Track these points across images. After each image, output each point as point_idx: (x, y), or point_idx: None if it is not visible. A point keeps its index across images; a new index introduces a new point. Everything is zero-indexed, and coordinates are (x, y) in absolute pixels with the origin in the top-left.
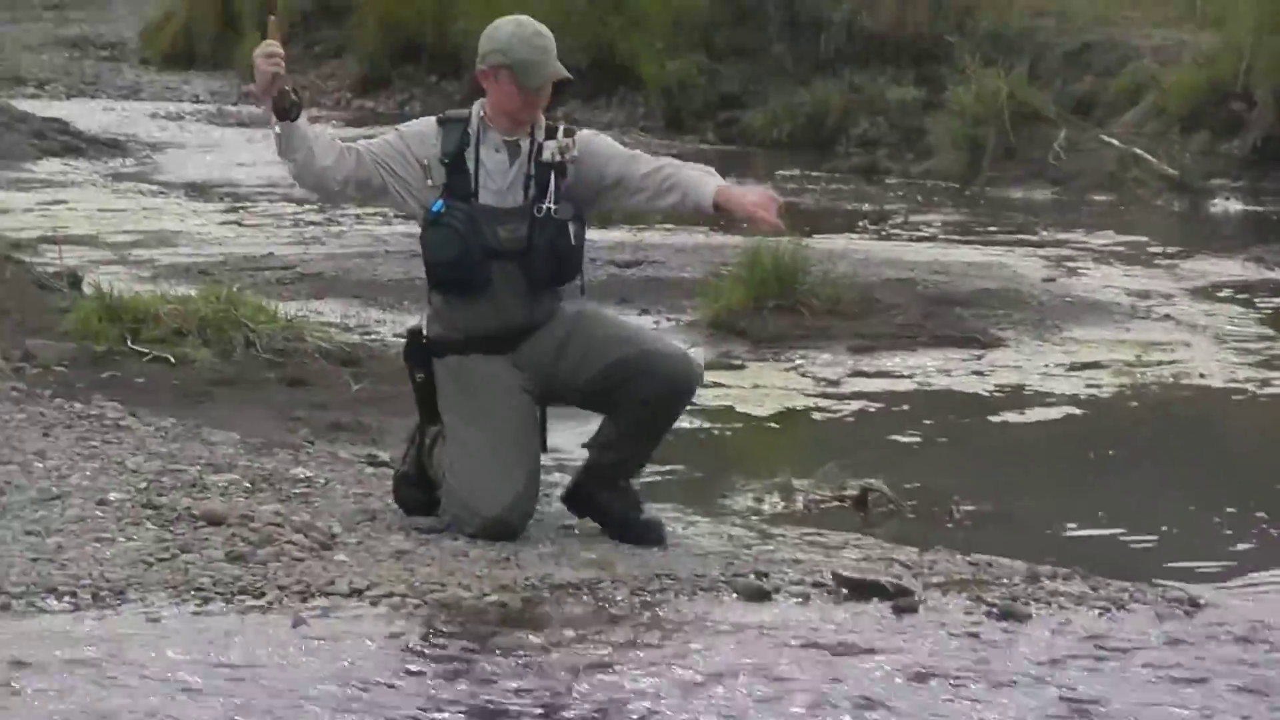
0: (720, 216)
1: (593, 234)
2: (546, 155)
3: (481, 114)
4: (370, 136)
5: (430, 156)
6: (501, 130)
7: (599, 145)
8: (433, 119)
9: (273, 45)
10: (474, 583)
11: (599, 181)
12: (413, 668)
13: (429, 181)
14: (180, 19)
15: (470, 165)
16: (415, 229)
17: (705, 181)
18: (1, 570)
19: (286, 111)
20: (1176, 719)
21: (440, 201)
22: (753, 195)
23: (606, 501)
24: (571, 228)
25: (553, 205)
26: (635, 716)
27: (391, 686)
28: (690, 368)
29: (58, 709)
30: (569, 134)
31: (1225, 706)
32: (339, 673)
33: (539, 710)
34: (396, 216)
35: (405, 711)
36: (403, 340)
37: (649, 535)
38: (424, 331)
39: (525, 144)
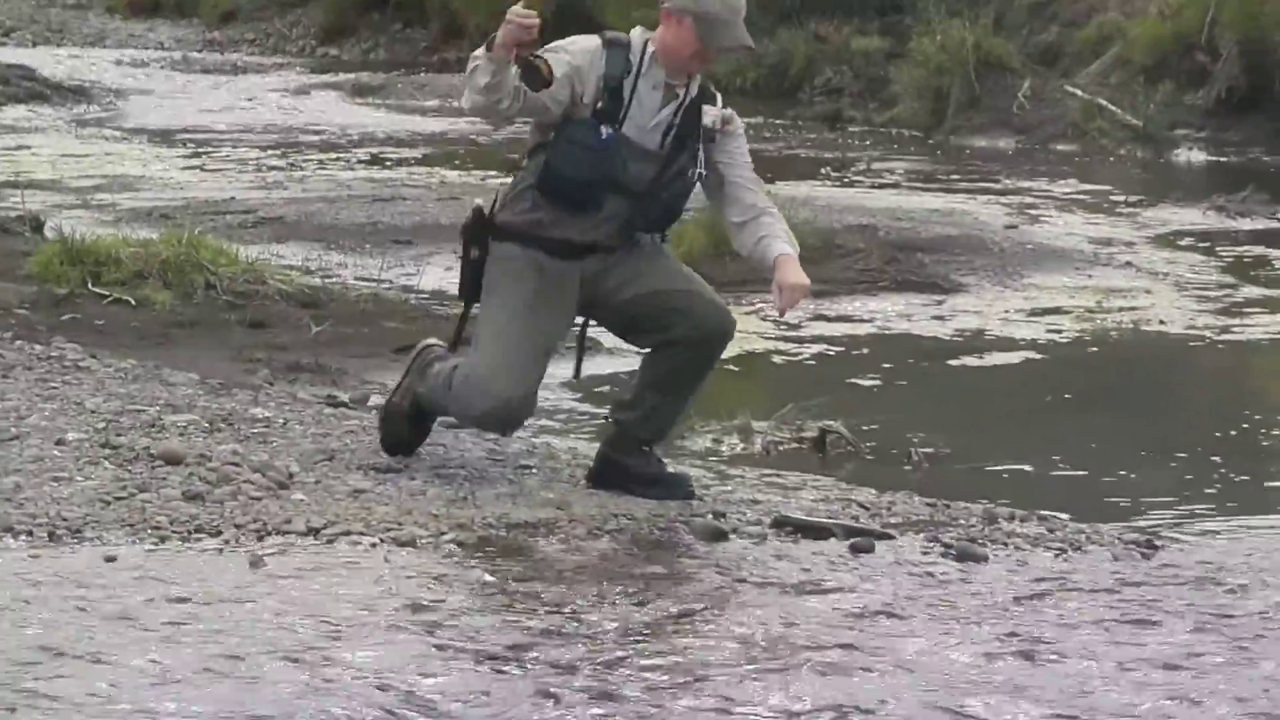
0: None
1: None
2: (708, 120)
3: (650, 47)
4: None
5: (593, 74)
6: (666, 71)
7: (742, 142)
8: (595, 37)
9: (533, 17)
10: (431, 521)
11: (715, 165)
12: (368, 606)
13: (583, 96)
14: None
15: (626, 94)
16: (381, 173)
17: (781, 245)
18: None
19: (531, 73)
20: (1130, 659)
21: (592, 120)
22: (794, 282)
23: (635, 465)
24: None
25: (703, 170)
26: (594, 657)
27: (347, 624)
28: (726, 319)
29: (11, 645)
30: (726, 105)
31: (1178, 647)
32: (294, 611)
33: (494, 650)
34: (359, 163)
35: (361, 650)
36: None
37: (679, 488)
38: (493, 211)
39: (681, 92)
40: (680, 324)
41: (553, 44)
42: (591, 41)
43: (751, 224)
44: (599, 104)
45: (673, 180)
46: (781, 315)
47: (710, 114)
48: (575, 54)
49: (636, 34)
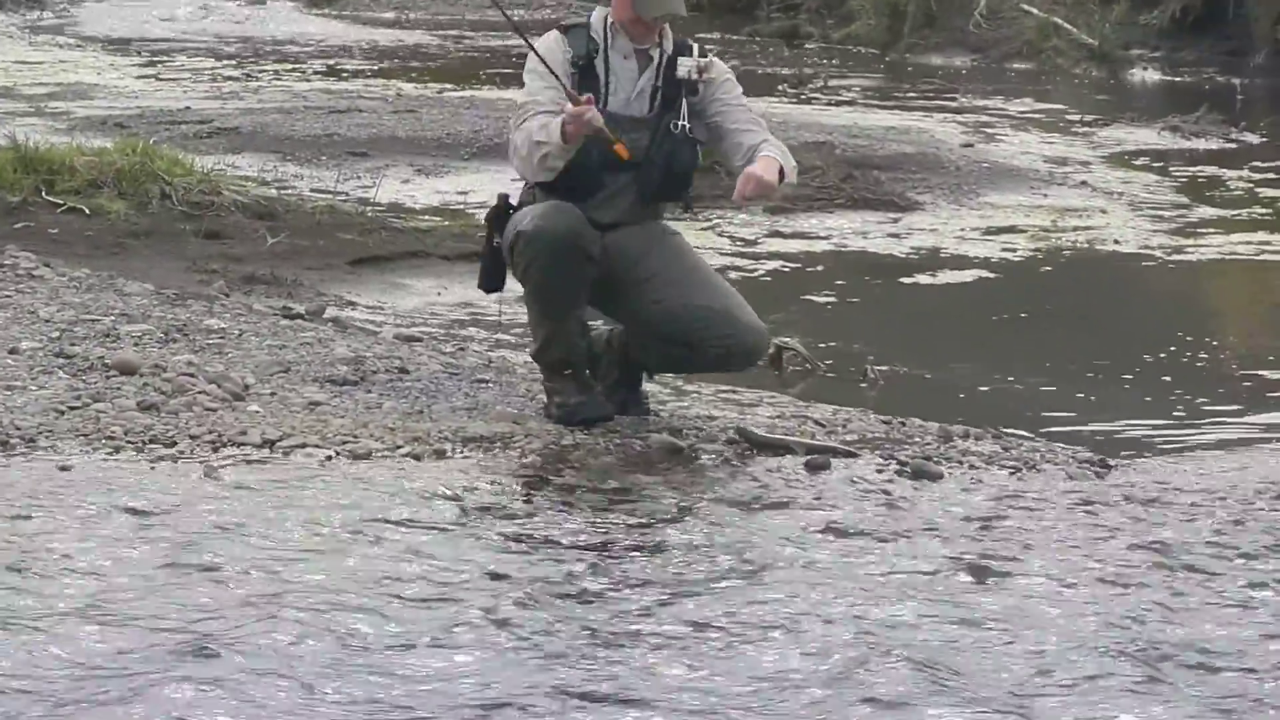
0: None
1: (511, 91)
2: (682, 72)
3: (609, 20)
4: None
5: (564, 59)
6: (630, 37)
7: (731, 86)
8: (553, 31)
9: (593, 112)
10: (386, 435)
11: (709, 116)
12: (322, 519)
13: (562, 68)
14: None
15: (600, 71)
16: (337, 85)
17: (770, 149)
18: None
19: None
20: (1083, 576)
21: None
22: (759, 174)
23: (631, 400)
24: (697, 147)
25: (685, 123)
26: (555, 571)
27: (302, 536)
28: (761, 342)
29: None
30: (703, 54)
31: (1129, 565)
32: (246, 523)
33: (451, 570)
34: (315, 74)
35: (311, 561)
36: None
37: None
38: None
39: (655, 54)
40: (714, 347)
41: (528, 68)
42: (551, 38)
43: (751, 154)
44: (578, 88)
45: (666, 140)
46: (735, 201)
47: (685, 65)
48: (546, 55)
49: (596, 13)
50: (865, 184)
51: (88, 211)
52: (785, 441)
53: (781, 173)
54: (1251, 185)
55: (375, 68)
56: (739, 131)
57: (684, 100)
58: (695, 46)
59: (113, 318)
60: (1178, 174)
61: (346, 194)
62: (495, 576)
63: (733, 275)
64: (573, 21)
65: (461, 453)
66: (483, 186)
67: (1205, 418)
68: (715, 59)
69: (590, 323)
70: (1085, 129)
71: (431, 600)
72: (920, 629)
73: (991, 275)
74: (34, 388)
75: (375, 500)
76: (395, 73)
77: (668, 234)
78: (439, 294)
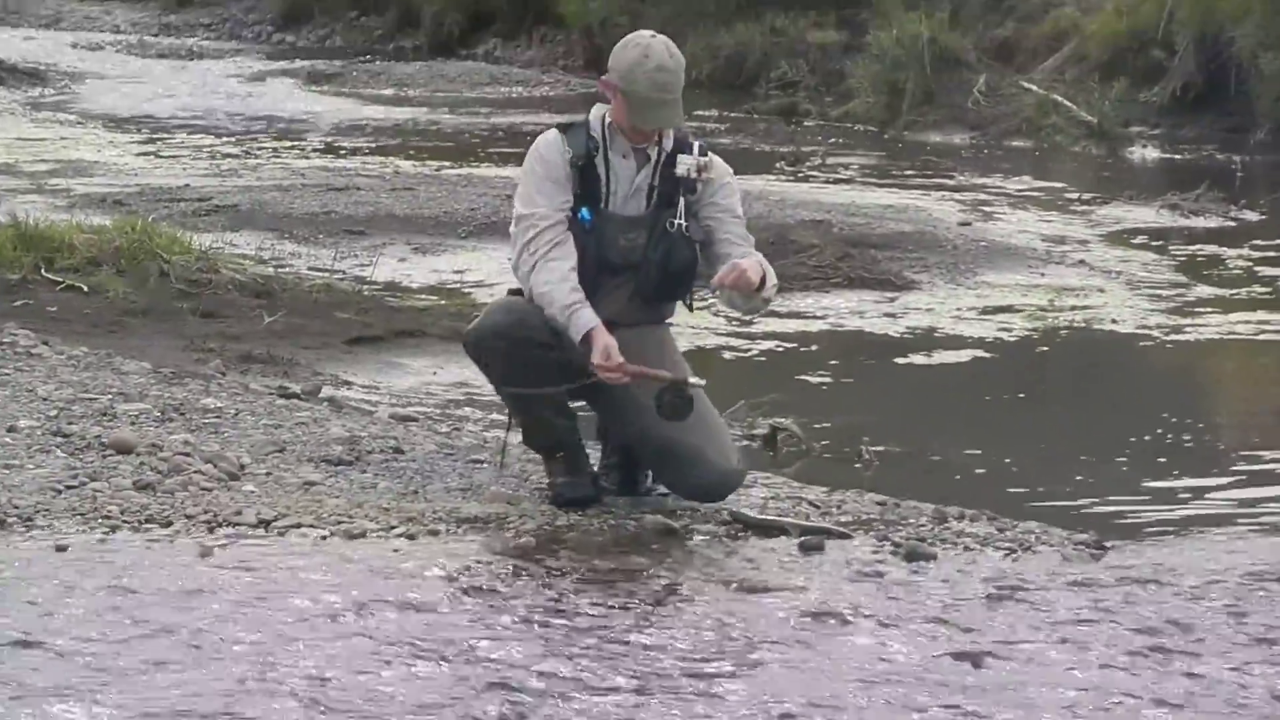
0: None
1: (509, 169)
2: (681, 169)
3: (607, 120)
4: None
5: (564, 163)
6: (628, 139)
7: (729, 191)
8: (553, 129)
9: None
10: (381, 515)
11: (704, 218)
12: (318, 598)
13: (561, 171)
14: None
15: (601, 170)
16: (335, 162)
17: (754, 258)
18: None
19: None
20: (1078, 659)
21: (585, 210)
22: (745, 267)
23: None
24: (696, 247)
25: (682, 221)
26: (547, 652)
27: (296, 618)
28: (728, 484)
29: None
30: (704, 152)
31: (1127, 648)
32: (240, 603)
33: (443, 646)
34: (313, 151)
35: (308, 641)
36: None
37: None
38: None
39: (654, 153)
40: (680, 485)
41: (526, 168)
42: (550, 138)
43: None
44: (577, 189)
45: (664, 239)
46: (713, 284)
47: (685, 163)
48: (546, 161)
49: (595, 112)
50: (862, 263)
51: (86, 289)
52: (779, 522)
53: (764, 281)
54: (1251, 264)
55: (373, 145)
56: (728, 243)
57: (682, 198)
58: (696, 144)
59: (110, 396)
60: (1176, 252)
61: (344, 272)
62: (484, 658)
63: (727, 355)
64: (571, 120)
65: (455, 533)
66: (479, 265)
67: (1203, 499)
68: (716, 158)
69: None
70: (1084, 207)
71: (420, 681)
72: (912, 715)
73: (988, 355)
74: (31, 466)
75: (369, 580)
76: (393, 150)
77: (664, 345)
78: (435, 374)
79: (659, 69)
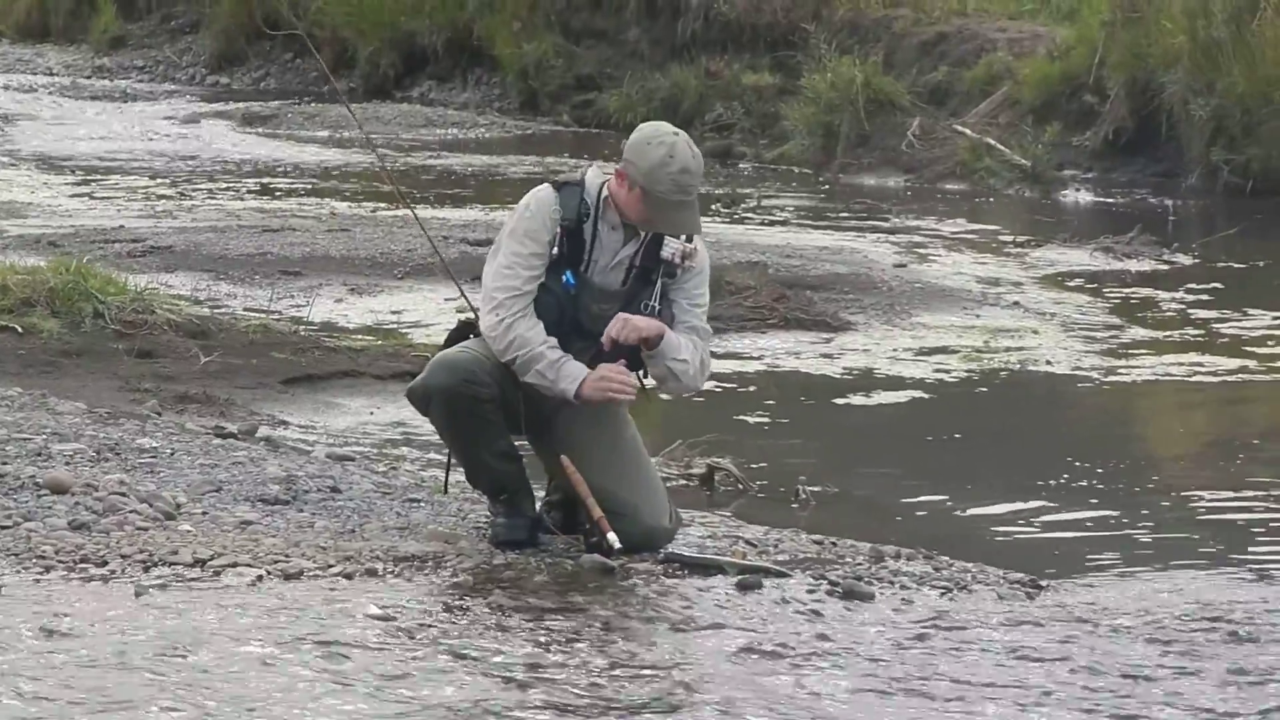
0: None
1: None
2: (667, 253)
3: (604, 192)
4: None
5: (551, 224)
6: (627, 219)
7: (701, 281)
8: (548, 186)
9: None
10: (318, 554)
11: (671, 301)
12: (252, 638)
13: (551, 244)
14: None
15: (587, 237)
16: (271, 203)
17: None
18: None
19: None
20: (1013, 697)
21: (568, 272)
22: (635, 320)
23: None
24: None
25: (656, 305)
26: (473, 691)
27: (231, 656)
28: (656, 539)
29: None
30: (690, 239)
31: (1062, 685)
32: (176, 642)
33: (391, 679)
34: (249, 193)
35: (248, 682)
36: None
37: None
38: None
39: (643, 232)
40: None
41: (511, 227)
42: (544, 195)
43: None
44: (562, 250)
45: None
46: (603, 338)
47: (672, 247)
48: (537, 214)
49: (592, 174)
50: (798, 304)
51: (20, 330)
52: (717, 561)
53: (660, 344)
54: (1184, 306)
55: (309, 186)
56: (682, 327)
57: (659, 280)
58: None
59: (45, 436)
60: (1110, 295)
61: (280, 313)
62: (417, 698)
63: (665, 395)
64: (567, 179)
65: (393, 572)
66: (416, 306)
67: (1137, 537)
68: (700, 246)
69: None
70: (1018, 249)
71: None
72: None
73: (924, 395)
74: None
75: (305, 621)
76: (329, 191)
77: (612, 421)
78: (371, 413)
79: (683, 171)
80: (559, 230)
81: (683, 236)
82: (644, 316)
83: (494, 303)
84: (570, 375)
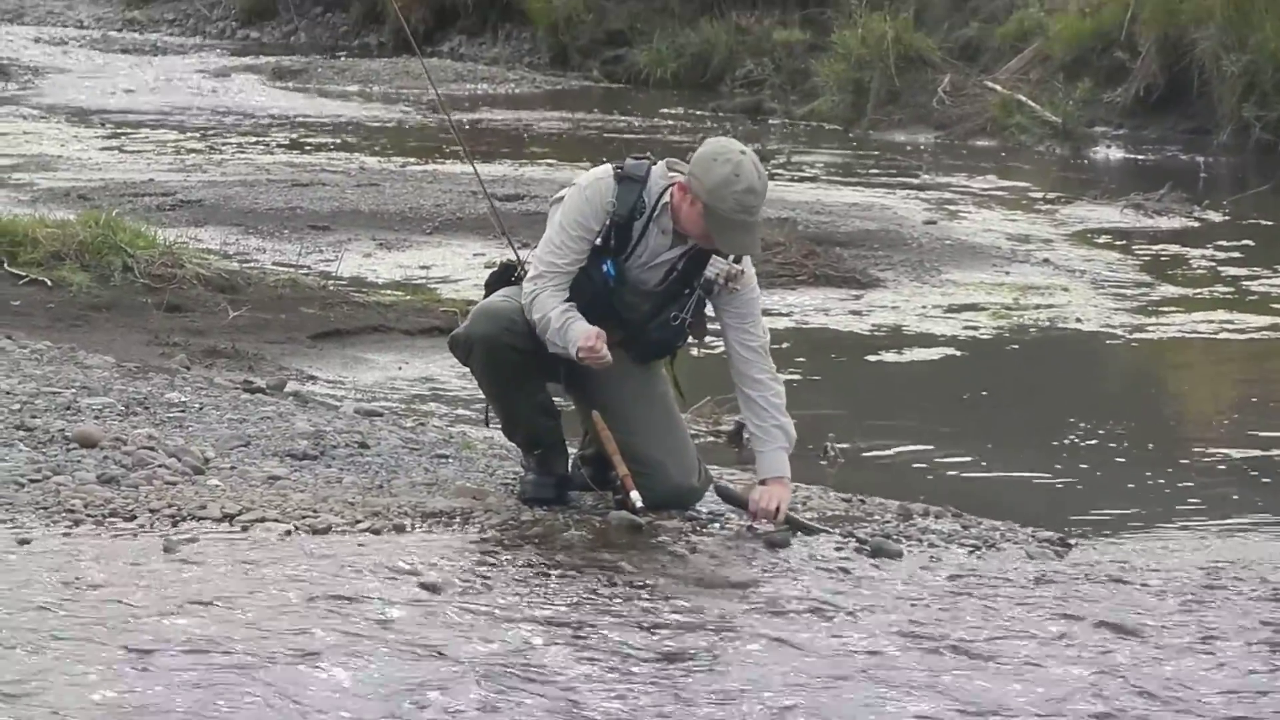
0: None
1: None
2: (711, 273)
3: (665, 197)
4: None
5: (603, 210)
6: (685, 233)
7: (751, 303)
8: (610, 174)
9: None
10: (346, 509)
11: (720, 315)
12: (281, 593)
13: (599, 234)
14: None
15: (635, 234)
16: (300, 158)
17: (770, 462)
18: None
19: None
20: (1040, 654)
21: (609, 261)
22: (766, 508)
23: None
24: (688, 332)
25: (687, 316)
26: (505, 647)
27: (260, 610)
28: (685, 498)
29: None
30: (738, 260)
31: (1088, 642)
32: (205, 595)
33: (412, 640)
34: (278, 147)
35: (271, 637)
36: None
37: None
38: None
39: (691, 241)
40: (644, 493)
41: (569, 202)
42: (604, 181)
43: (752, 405)
44: (608, 240)
45: (664, 323)
46: (749, 518)
47: (717, 265)
48: (591, 198)
49: (658, 171)
50: (827, 261)
51: (50, 284)
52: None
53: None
54: (1214, 264)
55: (338, 141)
56: (742, 357)
57: (697, 293)
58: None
59: (74, 390)
60: (1140, 252)
61: (309, 268)
62: (447, 654)
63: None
64: (631, 171)
65: (421, 528)
66: (445, 261)
67: (1166, 496)
68: (748, 268)
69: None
70: (1048, 206)
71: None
72: (872, 709)
73: (953, 353)
74: None
75: (333, 575)
76: (358, 146)
77: (647, 375)
78: (400, 369)
79: (748, 190)
80: (609, 221)
81: (731, 257)
82: (777, 487)
83: (536, 272)
84: (573, 337)
